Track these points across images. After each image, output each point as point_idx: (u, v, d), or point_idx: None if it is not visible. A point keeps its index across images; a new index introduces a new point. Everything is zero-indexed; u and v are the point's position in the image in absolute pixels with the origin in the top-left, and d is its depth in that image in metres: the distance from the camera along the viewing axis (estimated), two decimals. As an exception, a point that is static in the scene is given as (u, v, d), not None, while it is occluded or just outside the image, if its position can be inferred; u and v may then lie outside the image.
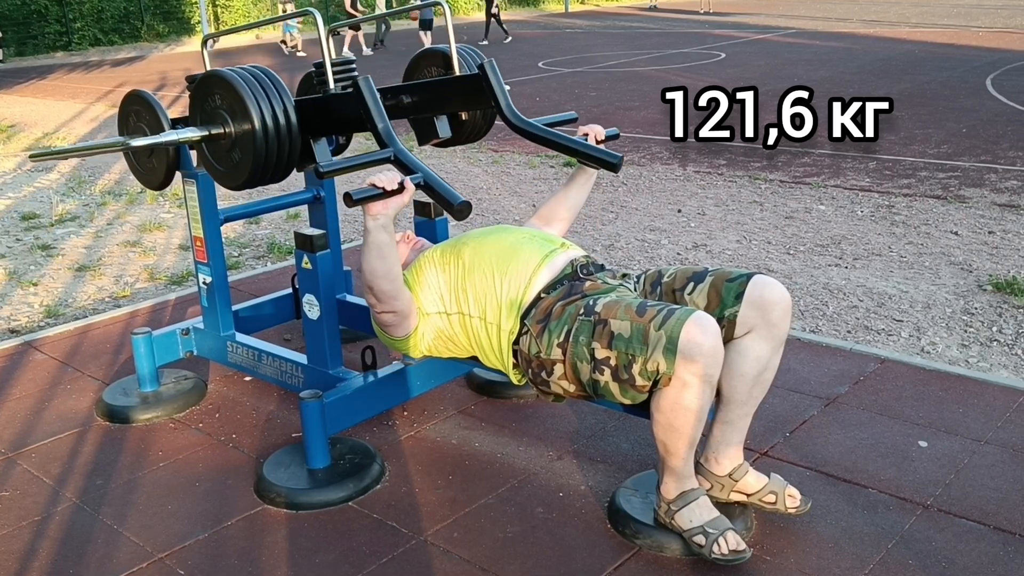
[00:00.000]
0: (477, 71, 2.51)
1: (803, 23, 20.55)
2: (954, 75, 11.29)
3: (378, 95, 2.32)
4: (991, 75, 11.13)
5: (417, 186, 2.10)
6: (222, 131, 2.33)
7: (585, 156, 2.46)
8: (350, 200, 2.02)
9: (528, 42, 19.29)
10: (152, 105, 2.71)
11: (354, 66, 3.06)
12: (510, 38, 18.83)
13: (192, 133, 2.35)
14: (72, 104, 12.53)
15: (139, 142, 2.39)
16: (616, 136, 2.64)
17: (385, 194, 2.07)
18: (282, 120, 2.30)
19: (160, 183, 2.86)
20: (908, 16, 21.00)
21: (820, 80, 11.38)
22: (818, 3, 26.38)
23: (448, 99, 2.66)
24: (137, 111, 2.75)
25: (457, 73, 2.66)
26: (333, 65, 2.51)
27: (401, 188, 2.08)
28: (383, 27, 19.40)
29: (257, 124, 2.26)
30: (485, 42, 18.42)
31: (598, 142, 2.55)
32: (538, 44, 18.67)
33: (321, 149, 2.48)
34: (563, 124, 2.66)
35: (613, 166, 2.39)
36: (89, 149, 2.62)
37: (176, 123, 2.73)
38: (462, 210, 2.04)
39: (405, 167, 2.18)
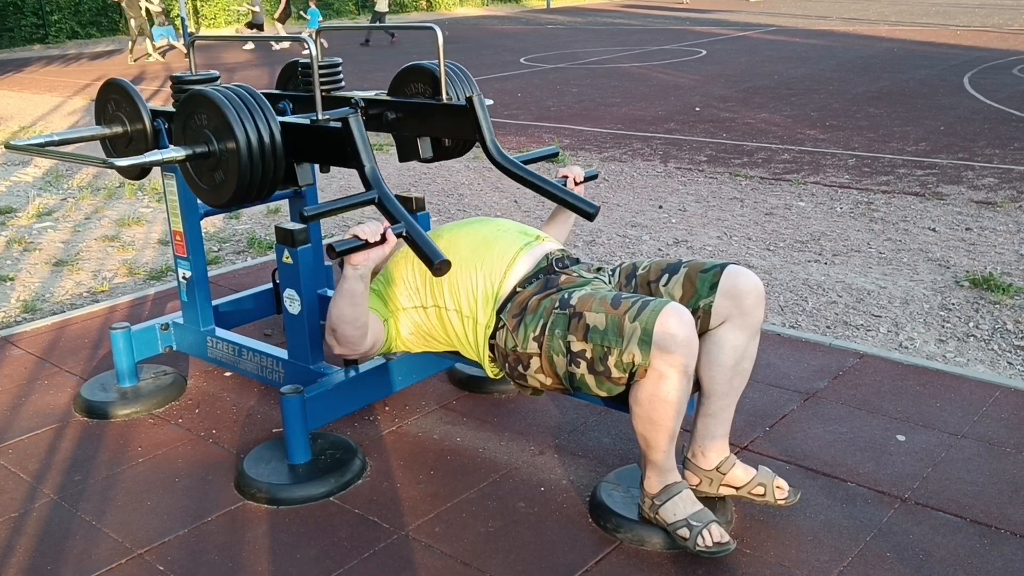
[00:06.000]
0: (465, 101, 2.54)
1: (784, 21, 20.66)
2: (932, 73, 11.39)
3: (367, 136, 2.30)
4: (969, 73, 11.23)
5: (398, 235, 2.13)
6: (206, 150, 2.31)
7: (563, 202, 2.50)
8: (333, 252, 2.06)
9: (510, 38, 19.27)
10: (131, 94, 2.69)
11: (340, 69, 3.05)
12: None
13: (176, 153, 2.34)
14: (49, 97, 12.41)
15: (123, 162, 2.37)
16: (595, 176, 2.76)
17: (367, 245, 2.10)
18: (267, 142, 2.28)
19: (137, 174, 2.84)
20: (887, 15, 21.15)
21: (800, 77, 11.45)
22: (799, 1, 26.52)
23: (433, 124, 2.70)
24: (116, 100, 2.73)
25: (444, 96, 2.67)
26: (321, 67, 2.49)
27: (383, 239, 2.11)
28: (377, 23, 19.41)
29: (242, 146, 2.24)
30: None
31: (577, 184, 2.65)
32: (520, 40, 18.66)
33: (304, 173, 2.47)
34: (544, 159, 2.77)
35: (590, 215, 2.47)
36: (71, 156, 2.60)
37: (156, 115, 2.72)
38: (440, 268, 2.06)
39: (388, 212, 2.20)
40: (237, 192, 2.30)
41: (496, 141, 2.55)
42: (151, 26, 16.89)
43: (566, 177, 2.64)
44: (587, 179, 2.70)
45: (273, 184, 2.35)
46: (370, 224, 2.12)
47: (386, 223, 2.17)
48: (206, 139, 2.30)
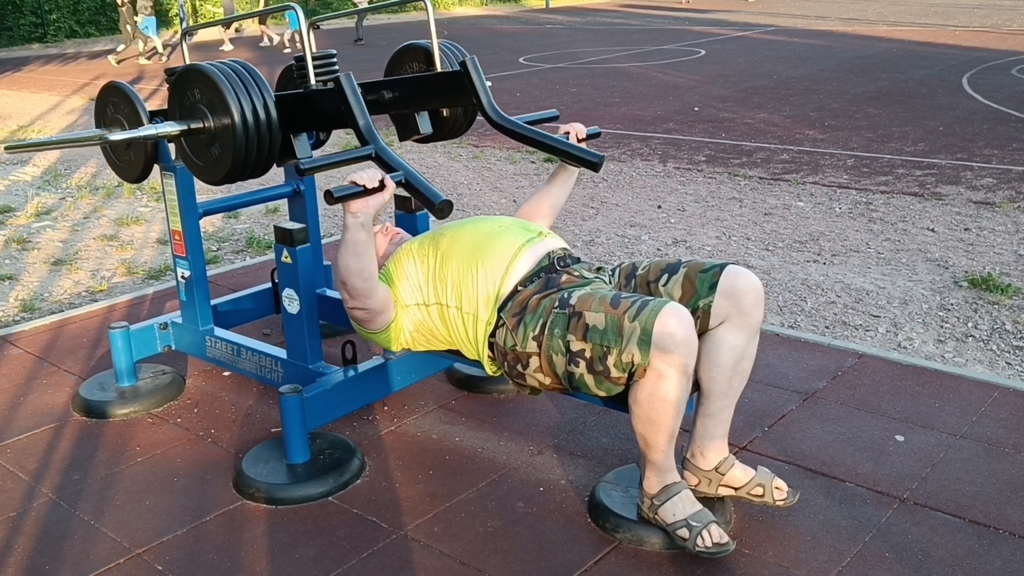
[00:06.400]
0: (459, 67, 2.51)
1: (782, 21, 20.66)
2: (931, 73, 11.40)
3: (359, 92, 2.31)
4: (967, 74, 11.24)
5: (398, 184, 2.10)
6: (202, 126, 2.30)
7: (566, 155, 2.46)
8: (331, 198, 2.02)
9: (509, 37, 19.27)
10: (130, 97, 2.68)
11: (335, 60, 3.04)
12: None
13: (171, 127, 2.32)
14: (48, 97, 12.39)
15: (117, 136, 2.36)
16: (597, 134, 2.66)
17: (366, 192, 2.07)
18: (262, 115, 2.27)
19: (138, 176, 2.83)
20: (886, 15, 21.16)
21: (799, 78, 11.45)
22: (798, 1, 26.53)
23: (429, 95, 2.65)
24: (115, 103, 2.72)
25: (439, 69, 2.65)
26: (314, 59, 2.49)
27: (382, 186, 2.08)
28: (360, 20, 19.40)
29: (237, 119, 2.23)
30: None
31: (579, 140, 2.57)
32: (519, 40, 18.65)
33: (301, 144, 2.46)
34: (544, 122, 2.66)
35: (594, 165, 2.40)
36: (66, 142, 2.59)
37: (154, 115, 2.71)
38: (443, 208, 2.03)
39: (386, 164, 2.17)
40: (233, 166, 2.29)
41: (494, 102, 2.48)
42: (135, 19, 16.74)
43: (567, 133, 2.57)
44: (590, 136, 2.61)
45: (269, 158, 2.34)
46: (368, 170, 2.09)
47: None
48: (201, 114, 2.30)
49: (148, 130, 2.33)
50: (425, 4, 2.59)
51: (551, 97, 10.61)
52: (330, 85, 2.86)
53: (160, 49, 16.73)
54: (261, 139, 2.28)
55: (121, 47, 16.75)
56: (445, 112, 2.84)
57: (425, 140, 2.84)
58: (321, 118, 2.38)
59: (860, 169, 6.56)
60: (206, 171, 2.38)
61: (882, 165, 6.67)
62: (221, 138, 2.28)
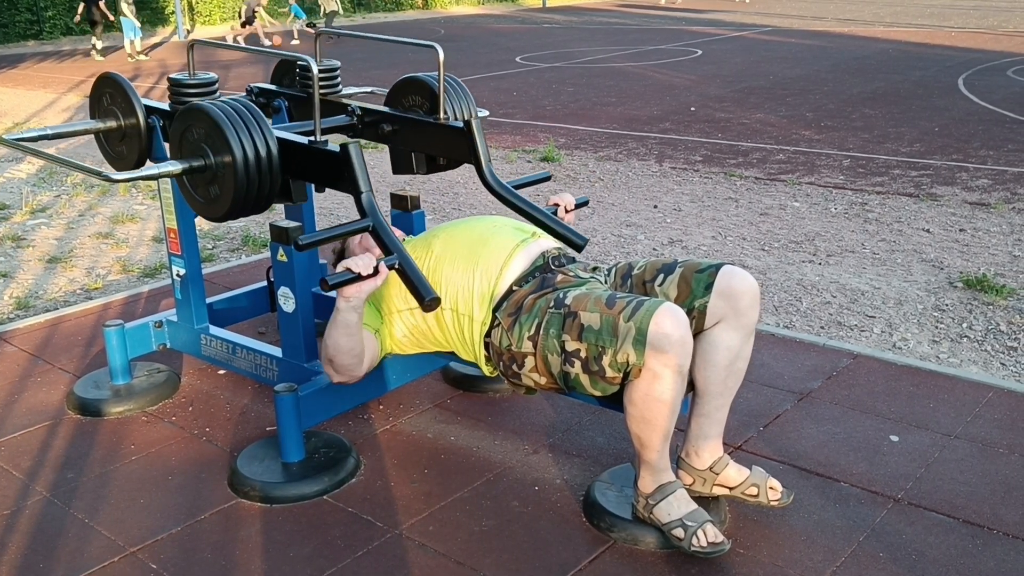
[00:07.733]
0: (463, 124, 2.55)
1: (779, 21, 20.69)
2: (927, 74, 11.42)
3: (366, 164, 2.28)
4: (963, 75, 11.26)
5: (391, 267, 2.13)
6: (202, 164, 2.30)
7: (553, 232, 2.50)
8: (326, 285, 2.08)
9: (506, 36, 19.27)
10: (125, 89, 2.68)
11: (338, 73, 3.04)
12: None
13: (173, 167, 2.32)
14: (43, 94, 12.37)
15: (121, 176, 2.37)
16: (585, 203, 2.80)
17: (360, 278, 2.12)
18: (264, 158, 2.26)
19: (131, 168, 2.83)
20: (882, 15, 21.20)
21: (795, 78, 11.47)
22: (794, 1, 26.56)
23: (429, 142, 2.72)
24: (110, 94, 2.72)
25: (442, 114, 2.67)
26: (321, 71, 2.47)
27: (375, 272, 2.13)
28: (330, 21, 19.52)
29: (239, 161, 2.23)
30: None
31: (568, 212, 2.69)
32: (516, 39, 18.65)
33: (298, 188, 2.45)
34: (537, 183, 2.79)
35: (578, 247, 2.47)
36: (62, 163, 2.57)
37: (150, 110, 2.71)
38: (430, 305, 2.07)
39: (382, 242, 2.19)
40: (232, 207, 2.30)
41: (491, 166, 2.58)
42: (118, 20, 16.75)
43: (557, 205, 2.68)
44: (578, 206, 2.74)
45: (268, 199, 2.35)
46: (362, 257, 2.14)
47: (378, 253, 2.18)
48: (203, 153, 2.29)
49: (150, 170, 2.35)
50: (436, 50, 2.61)
51: (548, 96, 10.62)
52: (331, 99, 2.85)
53: (138, 47, 16.77)
54: (262, 182, 2.28)
55: (97, 42, 16.87)
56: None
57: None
58: (322, 175, 2.35)
59: (856, 170, 6.57)
60: (205, 208, 2.39)
61: (878, 166, 6.68)
62: (221, 179, 2.28)
